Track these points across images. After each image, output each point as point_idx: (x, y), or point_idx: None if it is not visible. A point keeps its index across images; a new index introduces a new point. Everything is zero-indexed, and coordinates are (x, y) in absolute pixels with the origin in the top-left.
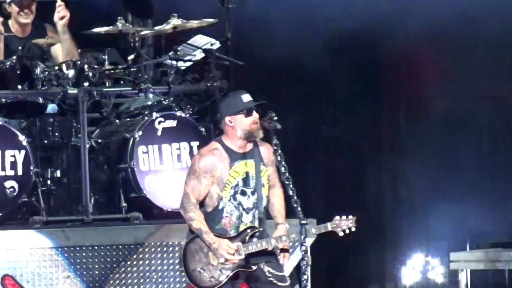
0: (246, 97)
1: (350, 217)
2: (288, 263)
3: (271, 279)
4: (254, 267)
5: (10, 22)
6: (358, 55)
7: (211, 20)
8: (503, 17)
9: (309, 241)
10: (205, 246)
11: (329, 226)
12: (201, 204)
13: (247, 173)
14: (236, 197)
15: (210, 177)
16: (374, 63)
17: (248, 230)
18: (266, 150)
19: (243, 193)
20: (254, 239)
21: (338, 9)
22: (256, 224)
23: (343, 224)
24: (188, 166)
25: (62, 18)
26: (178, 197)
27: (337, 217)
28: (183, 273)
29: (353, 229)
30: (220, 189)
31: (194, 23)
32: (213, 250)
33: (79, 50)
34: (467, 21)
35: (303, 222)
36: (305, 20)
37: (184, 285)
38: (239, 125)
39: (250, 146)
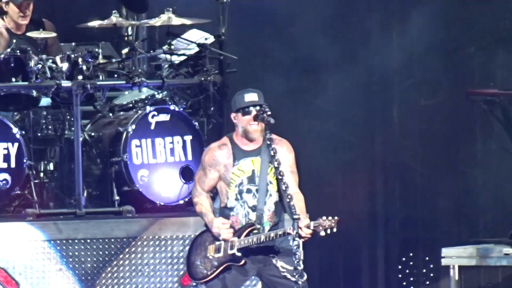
0: (249, 96)
1: (331, 218)
2: None
3: (285, 274)
4: (242, 261)
5: (6, 19)
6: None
7: (204, 20)
8: None
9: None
10: (207, 240)
11: (311, 225)
12: (215, 199)
13: (253, 171)
14: (242, 196)
15: (214, 171)
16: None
17: (246, 226)
18: (280, 149)
19: (249, 191)
20: (253, 234)
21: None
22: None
23: (326, 224)
24: (181, 160)
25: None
26: (170, 191)
27: (324, 218)
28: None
29: (335, 229)
30: (227, 186)
31: (187, 22)
32: (213, 231)
33: (73, 44)
34: None
35: (295, 217)
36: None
37: (176, 278)
38: (239, 122)
39: (259, 143)
